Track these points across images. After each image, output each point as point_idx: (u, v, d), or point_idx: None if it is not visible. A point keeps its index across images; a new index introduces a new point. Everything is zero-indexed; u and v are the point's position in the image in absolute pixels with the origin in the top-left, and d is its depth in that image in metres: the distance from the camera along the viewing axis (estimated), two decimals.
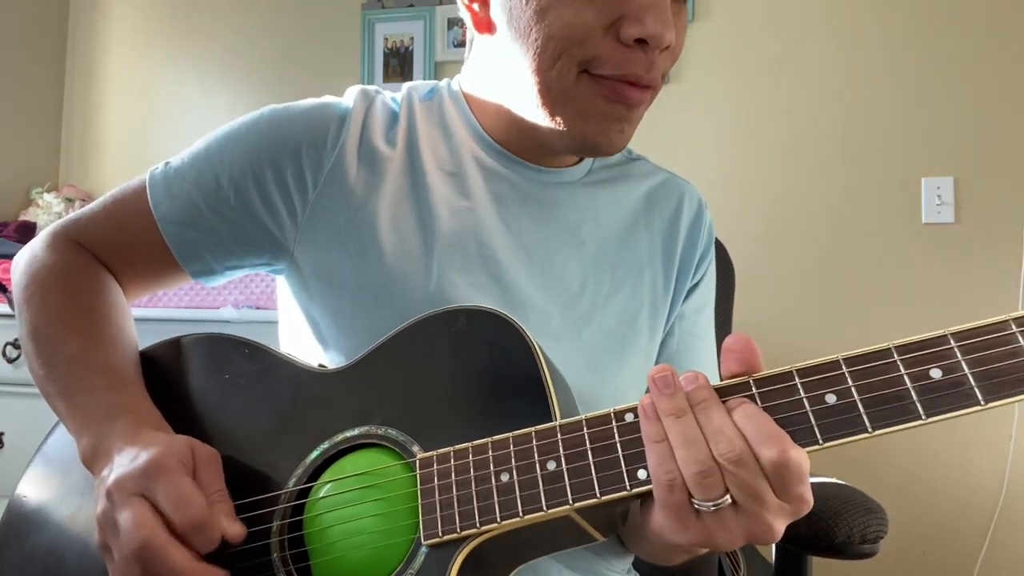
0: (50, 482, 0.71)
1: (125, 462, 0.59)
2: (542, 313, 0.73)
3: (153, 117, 2.54)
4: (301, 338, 0.77)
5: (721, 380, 0.51)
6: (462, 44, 2.26)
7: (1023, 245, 1.88)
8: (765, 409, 0.48)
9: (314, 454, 0.62)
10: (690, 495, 0.48)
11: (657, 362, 0.82)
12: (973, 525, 1.88)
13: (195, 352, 0.72)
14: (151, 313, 1.92)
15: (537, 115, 0.70)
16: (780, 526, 0.48)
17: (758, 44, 2.10)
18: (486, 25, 0.72)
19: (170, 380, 0.71)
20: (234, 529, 0.58)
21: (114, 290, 0.77)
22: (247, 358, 0.69)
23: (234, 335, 0.71)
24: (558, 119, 0.68)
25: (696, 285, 0.83)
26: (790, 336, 2.00)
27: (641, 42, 0.63)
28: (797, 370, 0.49)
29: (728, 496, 0.47)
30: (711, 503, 0.48)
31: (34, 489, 0.71)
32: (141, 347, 0.74)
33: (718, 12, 2.13)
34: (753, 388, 0.50)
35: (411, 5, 2.33)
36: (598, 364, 0.74)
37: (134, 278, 0.79)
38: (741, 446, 0.47)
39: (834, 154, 2.03)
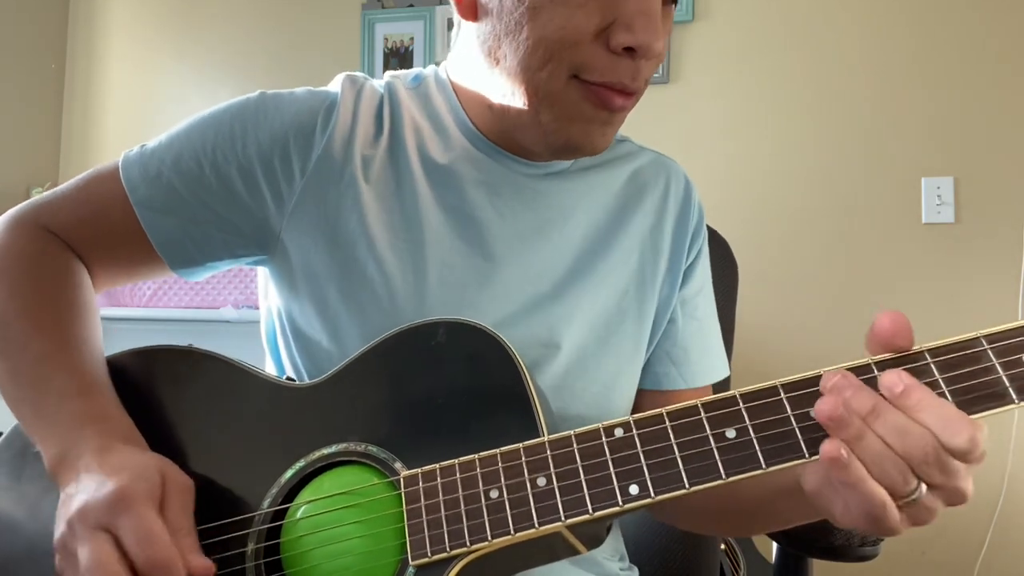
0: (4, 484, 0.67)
1: (91, 488, 0.55)
2: (535, 303, 0.72)
3: (153, 117, 2.53)
4: (282, 337, 0.75)
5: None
6: None
7: (1023, 245, 1.87)
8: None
9: (289, 473, 0.60)
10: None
11: (659, 346, 0.80)
12: (973, 525, 1.87)
13: (160, 365, 0.68)
14: (151, 313, 1.90)
15: (520, 112, 0.68)
16: (970, 485, 0.49)
17: (758, 44, 2.09)
18: (472, 11, 0.69)
19: (134, 394, 0.66)
20: (199, 562, 0.55)
21: (85, 284, 0.72)
22: (214, 372, 0.66)
23: (200, 348, 0.68)
24: (542, 118, 0.67)
25: (692, 266, 0.82)
26: (790, 334, 2.00)
27: (629, 50, 0.63)
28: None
29: (923, 485, 0.48)
30: (907, 498, 0.48)
31: None
32: (138, 348, 0.70)
33: (718, 12, 2.12)
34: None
35: (411, 5, 2.32)
36: (587, 350, 0.74)
37: (108, 267, 0.75)
38: (932, 443, 0.47)
39: (834, 154, 2.02)
